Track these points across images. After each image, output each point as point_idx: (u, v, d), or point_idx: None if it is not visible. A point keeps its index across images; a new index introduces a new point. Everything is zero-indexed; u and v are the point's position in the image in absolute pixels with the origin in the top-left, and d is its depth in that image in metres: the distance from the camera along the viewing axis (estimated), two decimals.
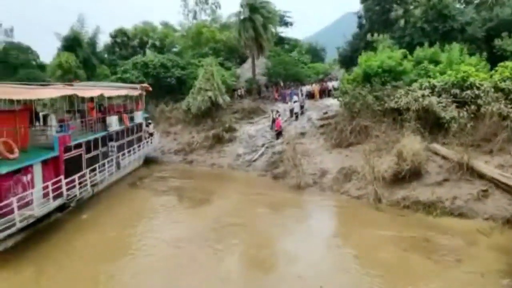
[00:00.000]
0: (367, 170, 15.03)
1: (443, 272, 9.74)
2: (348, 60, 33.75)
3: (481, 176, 14.82)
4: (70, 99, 17.20)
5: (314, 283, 9.02)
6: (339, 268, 10.25)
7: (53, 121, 14.36)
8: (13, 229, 10.46)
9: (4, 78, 47.98)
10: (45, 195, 12.57)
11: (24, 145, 12.76)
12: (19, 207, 11.00)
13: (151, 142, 24.02)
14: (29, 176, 12.13)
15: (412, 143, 15.68)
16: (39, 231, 12.22)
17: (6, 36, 58.52)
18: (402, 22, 29.30)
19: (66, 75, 37.83)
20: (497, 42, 24.57)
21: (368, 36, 28.27)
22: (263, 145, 23.26)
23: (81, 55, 39.31)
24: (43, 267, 10.48)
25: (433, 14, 27.54)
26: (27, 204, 11.64)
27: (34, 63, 50.51)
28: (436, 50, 23.58)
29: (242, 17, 28.88)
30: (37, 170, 12.53)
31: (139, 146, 21.90)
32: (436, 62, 22.69)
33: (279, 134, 23.44)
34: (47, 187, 12.40)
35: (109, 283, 9.63)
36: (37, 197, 12.06)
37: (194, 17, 44.17)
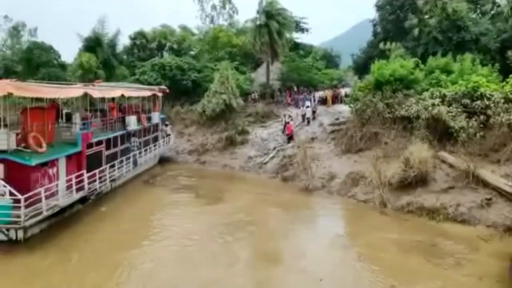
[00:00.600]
0: (374, 175, 15.55)
1: (441, 274, 10.24)
2: (362, 67, 34.28)
3: (486, 184, 15.17)
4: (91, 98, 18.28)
5: (316, 277, 9.66)
6: (341, 265, 10.88)
7: (77, 119, 15.42)
8: (40, 217, 11.42)
9: (27, 76, 50.15)
10: (68, 187, 13.55)
11: (51, 140, 13.78)
12: (45, 197, 11.97)
13: (168, 142, 25.04)
14: (54, 169, 13.14)
15: (419, 151, 16.15)
16: (62, 221, 13.17)
17: (30, 36, 61.11)
18: (416, 31, 29.73)
19: (86, 74, 39.38)
20: (510, 53, 24.76)
21: (381, 44, 28.71)
22: (274, 148, 23.98)
23: (101, 56, 40.79)
24: (66, 253, 11.36)
25: (448, 25, 27.92)
26: (53, 195, 12.61)
27: (55, 62, 52.53)
28: (449, 60, 23.95)
29: (258, 23, 29.73)
30: (62, 164, 13.54)
31: (155, 146, 22.89)
32: (449, 72, 23.04)
33: (290, 138, 24.11)
34: (70, 180, 13.38)
35: (128, 268, 10.44)
36: (61, 189, 13.05)
37: (212, 22, 45.32)
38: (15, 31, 60.13)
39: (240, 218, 14.22)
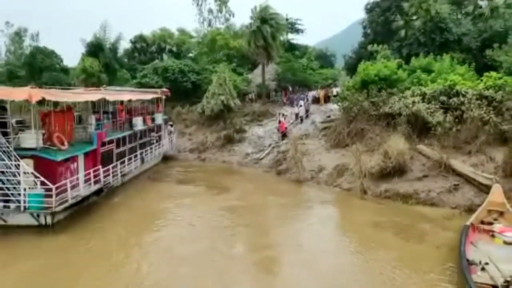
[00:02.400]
0: (356, 167, 17.69)
1: (403, 245, 12.39)
2: (353, 68, 36.33)
3: (456, 173, 17.34)
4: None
5: (307, 248, 11.93)
6: (326, 239, 13.16)
7: (92, 120, 17.58)
8: (66, 204, 13.55)
9: (30, 81, 52.32)
10: (86, 180, 15.69)
11: (70, 139, 15.91)
12: (63, 191, 14.02)
13: (171, 141, 27.25)
14: (75, 164, 15.28)
15: (397, 144, 18.30)
16: (81, 210, 15.26)
17: (32, 41, 63.32)
18: (402, 32, 31.87)
19: (89, 78, 41.52)
20: (489, 52, 26.89)
21: (369, 46, 30.84)
22: (269, 145, 26.14)
23: (103, 60, 42.96)
24: (86, 236, 13.30)
25: (431, 26, 30.03)
26: (74, 186, 14.74)
27: (58, 66, 54.62)
28: (430, 60, 26.09)
29: (252, 28, 31.87)
30: (81, 159, 15.68)
31: (158, 144, 25.05)
32: (430, 71, 25.19)
33: (284, 135, 26.25)
34: (88, 174, 15.53)
35: (139, 248, 12.53)
36: (81, 181, 15.19)
37: (209, 25, 47.50)
38: (17, 36, 62.41)
39: (239, 204, 16.60)
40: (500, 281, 8.60)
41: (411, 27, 31.72)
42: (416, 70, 25.11)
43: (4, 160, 12.92)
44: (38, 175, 12.96)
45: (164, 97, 27.28)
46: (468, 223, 12.52)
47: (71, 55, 59.26)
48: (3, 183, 12.99)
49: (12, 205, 13.09)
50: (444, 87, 21.90)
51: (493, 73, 22.14)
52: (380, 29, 34.80)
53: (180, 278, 10.30)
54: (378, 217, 14.86)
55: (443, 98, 21.61)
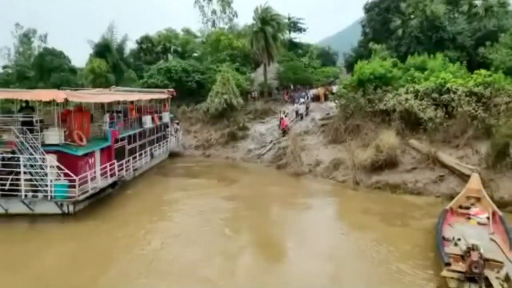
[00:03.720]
0: (349, 160, 19.34)
1: (389, 228, 14.04)
2: (352, 66, 37.90)
3: (443, 165, 18.91)
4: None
5: (304, 230, 13.70)
6: (321, 222, 15.08)
7: (106, 118, 19.41)
8: (87, 194, 15.37)
9: (39, 81, 54.54)
10: (102, 174, 17.50)
11: (87, 136, 17.71)
12: (85, 182, 15.83)
13: (177, 139, 29.09)
14: (92, 159, 17.10)
15: (388, 138, 19.89)
16: (98, 200, 17.04)
17: (40, 42, 65.57)
18: (400, 31, 33.35)
19: (97, 79, 43.44)
20: (481, 50, 28.33)
21: (370, 43, 32.36)
22: (271, 141, 27.83)
23: (110, 60, 44.86)
24: (103, 223, 14.94)
25: (427, 25, 31.50)
26: (92, 179, 16.53)
27: (66, 67, 56.69)
28: (425, 59, 27.59)
29: (254, 29, 33.52)
30: (97, 155, 17.50)
31: (166, 141, 26.87)
32: (424, 69, 26.68)
33: (284, 132, 27.91)
34: (105, 167, 17.35)
35: (153, 232, 14.28)
36: (98, 174, 17.00)
37: (213, 25, 49.20)
38: (26, 38, 64.66)
39: (242, 193, 18.58)
40: (463, 249, 10.21)
41: (408, 26, 33.18)
42: (410, 68, 26.61)
43: (32, 154, 14.75)
44: (63, 167, 14.77)
45: (170, 96, 29.06)
46: (447, 207, 14.14)
47: (77, 56, 61.26)
48: (32, 175, 14.83)
49: (40, 195, 14.91)
50: (436, 85, 23.40)
51: (483, 71, 23.64)
52: (378, 28, 36.29)
53: (192, 254, 11.99)
54: (367, 205, 16.53)
55: (435, 95, 23.09)
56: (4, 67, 65.86)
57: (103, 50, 45.46)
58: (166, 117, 27.78)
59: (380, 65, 26.14)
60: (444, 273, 9.58)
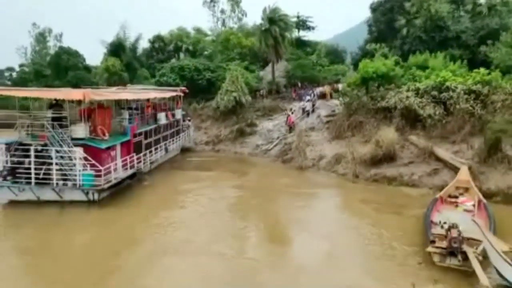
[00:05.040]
0: (350, 154, 20.93)
1: (383, 215, 15.60)
2: (358, 64, 39.27)
3: (438, 159, 20.34)
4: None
5: (306, 216, 15.38)
6: (322, 211, 16.73)
7: (126, 115, 21.35)
8: (111, 183, 17.28)
9: (55, 79, 57.07)
10: (123, 166, 19.41)
11: (109, 131, 19.63)
12: (109, 172, 17.75)
13: (189, 134, 30.99)
14: (114, 152, 19.01)
15: (387, 134, 21.38)
16: (119, 190, 18.89)
17: (56, 41, 68.35)
18: (404, 31, 34.60)
19: (112, 77, 45.62)
20: (482, 48, 29.46)
21: (368, 45, 33.76)
22: (278, 137, 29.50)
23: (124, 59, 47.04)
24: (124, 210, 16.78)
25: (431, 24, 32.70)
26: (114, 170, 18.45)
27: (81, 65, 59.14)
28: (426, 57, 28.89)
29: (262, 28, 35.15)
30: (118, 148, 19.41)
31: (178, 137, 28.77)
32: (426, 68, 28.01)
33: (291, 128, 29.54)
34: (125, 160, 19.26)
35: (170, 217, 16.08)
36: (119, 166, 18.92)
37: (223, 24, 50.94)
38: (42, 37, 67.47)
39: (250, 184, 20.64)
40: (445, 228, 11.76)
41: (412, 25, 34.40)
42: (412, 67, 27.94)
43: (62, 147, 16.72)
44: (90, 159, 16.71)
45: (182, 94, 30.94)
46: (437, 196, 15.67)
47: (89, 54, 63.31)
48: (62, 166, 16.80)
49: (69, 183, 16.88)
50: (435, 83, 24.73)
51: (482, 70, 24.89)
52: (384, 27, 37.55)
53: (206, 235, 13.74)
54: (365, 195, 18.15)
55: (434, 92, 24.45)
56: (21, 65, 68.90)
57: (117, 49, 47.57)
58: (179, 114, 29.65)
59: (383, 63, 27.53)
60: (429, 249, 11.25)
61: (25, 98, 28.85)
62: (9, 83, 64.73)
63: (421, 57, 29.01)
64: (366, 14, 42.04)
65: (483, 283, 9.52)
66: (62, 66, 56.61)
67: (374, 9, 38.18)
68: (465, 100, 23.13)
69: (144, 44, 54.14)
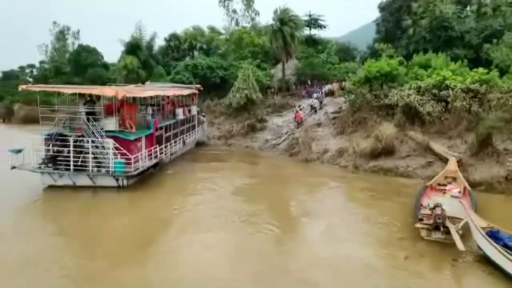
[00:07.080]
0: (351, 148, 23.35)
1: (377, 201, 17.97)
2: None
3: (433, 153, 22.57)
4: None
5: (310, 204, 17.92)
6: (324, 198, 19.20)
7: (149, 110, 24.18)
8: (139, 171, 20.07)
9: (75, 77, 60.52)
10: (147, 156, 22.18)
11: (134, 124, 22.41)
12: (137, 161, 20.51)
13: (203, 130, 33.75)
14: (140, 143, 21.82)
15: (386, 129, 23.67)
16: (144, 178, 21.65)
17: (74, 38, 71.93)
18: (411, 30, 36.57)
19: (129, 74, 48.51)
20: (485, 48, 31.29)
21: (375, 45, 35.87)
22: (286, 133, 31.99)
23: (141, 57, 49.87)
24: (150, 194, 19.50)
25: (436, 25, 34.62)
26: (141, 159, 21.23)
27: (99, 62, 62.43)
28: (429, 57, 30.91)
29: (274, 28, 37.59)
30: (143, 140, 22.21)
31: (194, 131, 31.54)
32: (428, 67, 30.04)
33: (299, 124, 31.97)
34: (149, 151, 22.05)
35: (192, 201, 18.75)
36: (144, 156, 21.71)
37: (236, 24, 53.48)
38: (61, 35, 71.11)
39: (260, 174, 23.52)
40: (431, 207, 14.09)
41: (418, 25, 36.36)
42: (414, 66, 30.03)
43: (96, 137, 19.58)
44: (121, 148, 19.54)
45: (197, 91, 33.69)
46: (427, 184, 17.96)
47: (106, 51, 66.62)
48: (96, 155, 19.67)
49: (103, 170, 19.74)
50: (436, 81, 26.80)
51: (481, 69, 26.87)
52: (391, 26, 39.55)
53: (223, 216, 16.09)
54: (363, 184, 20.61)
55: (434, 91, 26.57)
56: (41, 62, 72.83)
57: (134, 47, 50.34)
58: (194, 110, 32.40)
59: (387, 63, 29.69)
60: (417, 225, 13.73)
61: (48, 95, 31.95)
62: (30, 79, 68.47)
63: (424, 57, 31.02)
64: (376, 13, 44.00)
65: (460, 248, 11.89)
66: (81, 63, 59.79)
67: (382, 8, 40.16)
68: (462, 98, 25.17)
69: (159, 43, 56.95)
